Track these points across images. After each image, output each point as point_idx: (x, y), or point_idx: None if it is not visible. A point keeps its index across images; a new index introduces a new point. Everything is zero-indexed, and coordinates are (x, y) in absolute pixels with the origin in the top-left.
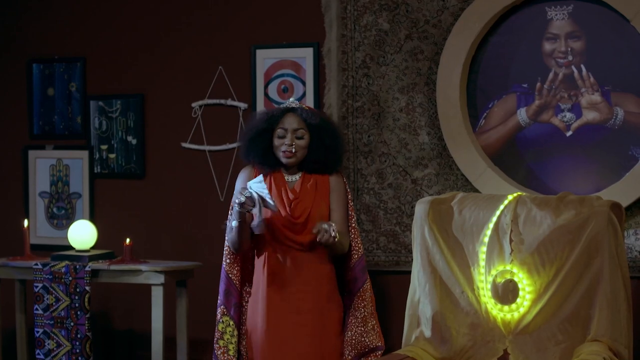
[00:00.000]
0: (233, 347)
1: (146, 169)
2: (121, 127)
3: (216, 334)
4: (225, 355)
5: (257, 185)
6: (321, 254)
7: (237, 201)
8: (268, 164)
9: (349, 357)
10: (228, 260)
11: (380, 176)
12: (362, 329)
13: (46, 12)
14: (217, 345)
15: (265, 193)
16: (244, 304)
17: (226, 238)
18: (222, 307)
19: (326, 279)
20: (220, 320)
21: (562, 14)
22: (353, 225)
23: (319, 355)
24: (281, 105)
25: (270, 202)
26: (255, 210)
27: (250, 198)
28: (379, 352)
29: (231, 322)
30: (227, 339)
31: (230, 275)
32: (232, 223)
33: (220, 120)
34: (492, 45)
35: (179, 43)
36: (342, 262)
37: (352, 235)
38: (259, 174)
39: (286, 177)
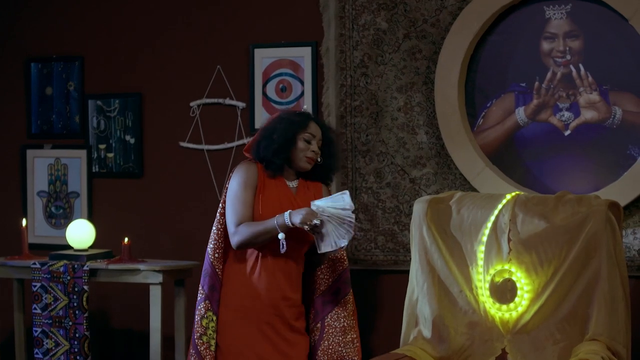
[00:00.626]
0: (215, 342)
1: (144, 168)
2: (119, 126)
3: (198, 329)
4: (208, 350)
5: (338, 211)
6: (302, 262)
7: (310, 222)
8: (280, 167)
9: None
10: (217, 255)
11: (378, 175)
12: (341, 339)
13: (44, 11)
14: (200, 341)
15: (349, 219)
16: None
17: (215, 233)
18: (206, 301)
19: (300, 285)
20: (205, 316)
21: (560, 13)
22: None
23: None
24: (301, 110)
25: (345, 237)
26: (325, 231)
27: (323, 222)
28: None
29: (214, 318)
30: (210, 334)
31: (217, 270)
32: (280, 235)
33: (218, 119)
34: (490, 44)
35: (177, 42)
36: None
37: None
38: (265, 172)
39: (288, 184)
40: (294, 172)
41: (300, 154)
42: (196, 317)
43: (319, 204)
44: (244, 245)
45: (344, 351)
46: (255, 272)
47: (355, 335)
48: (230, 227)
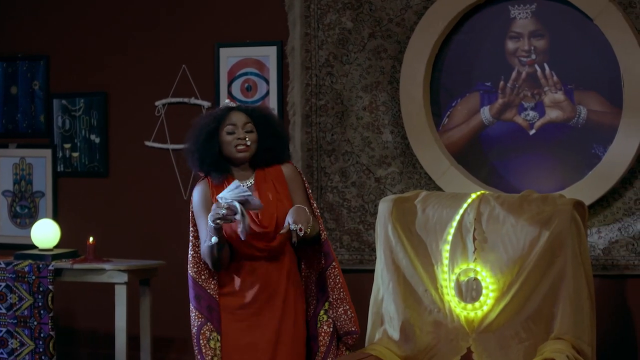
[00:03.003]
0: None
1: (109, 167)
2: (84, 125)
3: (208, 352)
4: None
5: (234, 192)
6: (288, 253)
7: (219, 214)
8: (220, 169)
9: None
10: (203, 277)
11: (343, 175)
12: (334, 314)
13: (9, 10)
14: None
15: (247, 195)
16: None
17: (190, 255)
18: (208, 324)
19: (294, 275)
20: (211, 337)
21: (525, 12)
22: (316, 209)
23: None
24: (220, 106)
25: (256, 201)
26: (238, 217)
27: (230, 208)
28: (354, 336)
29: (219, 337)
30: (218, 354)
31: (208, 290)
32: (212, 239)
33: (183, 118)
34: (455, 43)
35: (142, 41)
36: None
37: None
38: (216, 186)
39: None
40: (247, 166)
41: (229, 147)
42: (200, 341)
43: (221, 195)
44: (216, 268)
45: (338, 324)
46: (240, 279)
47: (347, 307)
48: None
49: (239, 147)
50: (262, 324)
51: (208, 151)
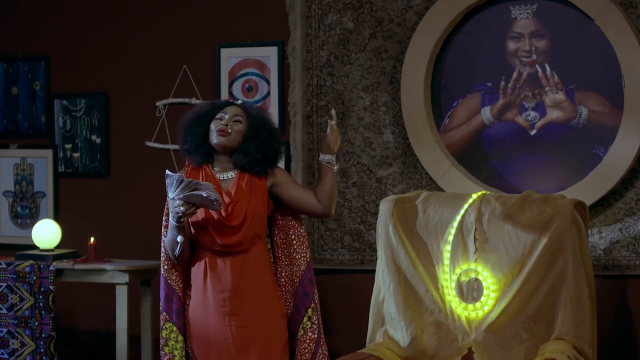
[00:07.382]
0: (179, 353)
1: (110, 168)
2: (85, 126)
3: (161, 340)
4: None
5: (181, 188)
6: (259, 251)
7: (178, 213)
8: (201, 152)
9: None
10: (166, 267)
11: (344, 175)
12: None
13: (10, 10)
14: (163, 352)
15: (194, 183)
16: (186, 308)
17: (164, 247)
18: (164, 313)
19: (266, 275)
20: (164, 327)
21: (526, 13)
22: None
23: (266, 354)
24: (225, 99)
25: (208, 185)
26: (210, 199)
27: (187, 203)
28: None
29: (174, 328)
30: (172, 345)
31: (169, 281)
32: (178, 239)
33: None
34: (456, 44)
35: (143, 42)
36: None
37: (303, 232)
38: (193, 169)
39: (219, 176)
40: (228, 160)
41: (212, 134)
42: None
43: (171, 196)
44: (176, 260)
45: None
46: (204, 279)
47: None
48: None
49: (219, 132)
50: (227, 322)
51: (194, 131)
